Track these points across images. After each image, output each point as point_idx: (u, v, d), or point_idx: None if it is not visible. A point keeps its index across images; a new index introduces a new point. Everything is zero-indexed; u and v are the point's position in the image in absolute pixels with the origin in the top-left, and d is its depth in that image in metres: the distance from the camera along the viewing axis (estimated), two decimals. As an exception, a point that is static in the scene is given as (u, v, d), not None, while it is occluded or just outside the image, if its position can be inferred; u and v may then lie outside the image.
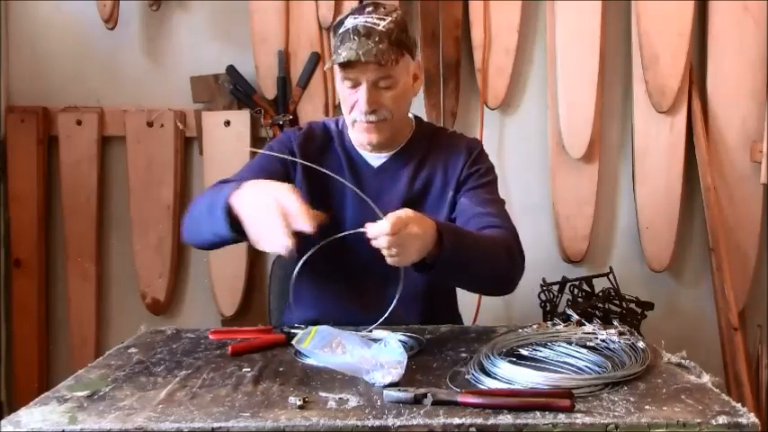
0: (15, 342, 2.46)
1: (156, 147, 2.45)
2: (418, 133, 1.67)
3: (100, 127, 2.46)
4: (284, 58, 2.43)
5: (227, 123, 2.43)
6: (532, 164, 2.52)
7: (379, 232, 1.24)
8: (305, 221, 1.19)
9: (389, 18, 1.51)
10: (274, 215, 1.20)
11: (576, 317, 1.38)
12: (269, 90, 2.44)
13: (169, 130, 2.45)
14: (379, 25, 1.49)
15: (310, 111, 2.43)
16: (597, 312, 2.25)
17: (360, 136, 1.58)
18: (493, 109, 2.46)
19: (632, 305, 2.30)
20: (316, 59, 2.42)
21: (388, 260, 1.27)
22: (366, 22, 1.49)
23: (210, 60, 2.45)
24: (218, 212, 1.30)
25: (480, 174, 1.62)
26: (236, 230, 1.29)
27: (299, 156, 1.59)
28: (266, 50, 2.43)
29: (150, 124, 2.45)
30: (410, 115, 1.69)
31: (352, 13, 1.54)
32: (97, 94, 2.50)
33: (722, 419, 0.97)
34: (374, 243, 1.26)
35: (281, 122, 2.42)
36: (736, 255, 2.44)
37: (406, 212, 1.26)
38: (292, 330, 1.39)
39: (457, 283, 1.62)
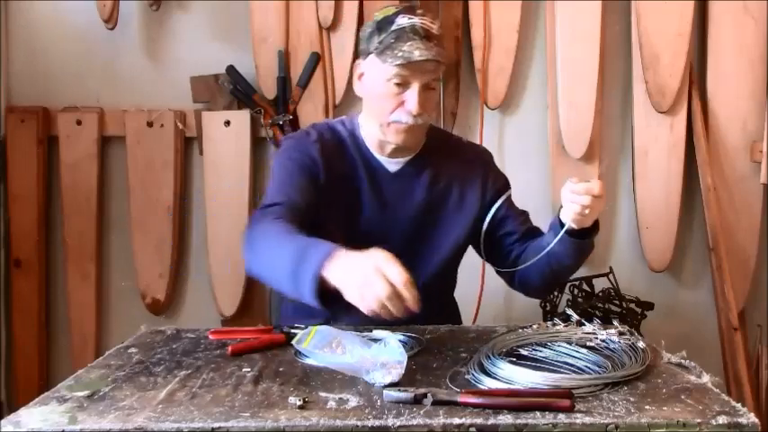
0: (15, 342, 2.46)
1: (156, 147, 2.45)
2: (431, 139, 1.65)
3: (100, 127, 2.46)
4: (284, 58, 2.43)
5: (227, 123, 2.43)
6: (532, 164, 2.52)
7: (588, 190, 1.36)
8: (410, 296, 1.13)
9: (437, 23, 1.53)
10: (392, 261, 1.14)
11: (576, 317, 1.38)
12: (269, 90, 2.44)
13: (169, 130, 2.45)
14: (433, 28, 1.50)
15: (310, 111, 2.43)
16: (597, 312, 2.25)
17: (392, 137, 1.54)
18: (493, 109, 2.46)
19: (632, 305, 2.30)
20: (316, 59, 2.42)
21: (573, 216, 1.40)
22: (423, 23, 1.48)
23: (210, 60, 2.45)
24: (306, 285, 1.20)
25: (507, 188, 1.68)
26: (323, 300, 1.21)
27: (323, 162, 1.56)
28: (266, 50, 2.43)
29: (150, 124, 2.45)
30: None
31: (402, 12, 1.51)
32: (97, 94, 2.50)
33: (722, 419, 0.97)
34: (575, 198, 1.38)
35: (281, 122, 2.42)
36: (736, 255, 2.44)
37: (603, 182, 1.39)
38: (292, 330, 1.39)
39: (571, 262, 1.57)
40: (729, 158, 2.45)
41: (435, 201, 1.61)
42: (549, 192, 2.49)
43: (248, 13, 2.43)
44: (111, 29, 2.41)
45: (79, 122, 2.45)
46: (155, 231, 2.45)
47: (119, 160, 2.50)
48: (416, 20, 1.48)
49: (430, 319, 1.56)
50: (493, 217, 1.59)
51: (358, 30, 2.42)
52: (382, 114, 1.52)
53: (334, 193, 1.57)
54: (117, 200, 2.51)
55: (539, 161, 2.51)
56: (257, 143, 2.47)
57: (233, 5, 2.47)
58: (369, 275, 1.13)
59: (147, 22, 2.49)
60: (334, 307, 1.22)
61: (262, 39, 2.43)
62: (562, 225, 1.46)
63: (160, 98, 2.47)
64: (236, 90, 2.43)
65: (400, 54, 1.45)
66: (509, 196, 1.65)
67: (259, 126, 2.45)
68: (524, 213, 1.70)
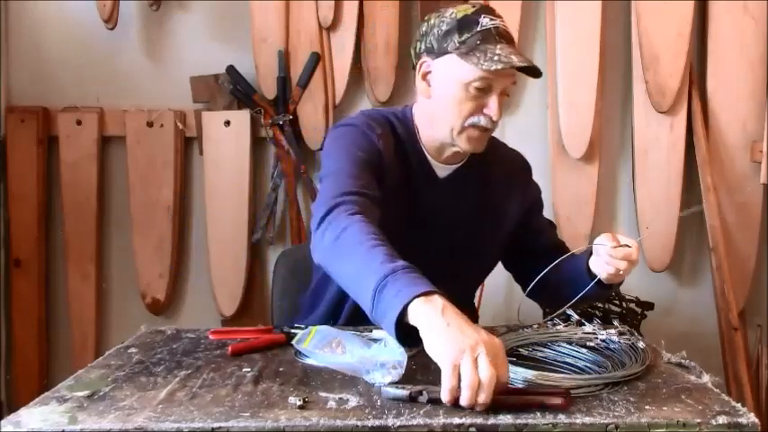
0: (15, 342, 2.46)
1: (156, 147, 2.45)
2: None
3: (100, 127, 2.47)
4: (284, 58, 2.43)
5: (227, 123, 2.43)
6: (532, 164, 2.49)
7: (626, 257, 1.36)
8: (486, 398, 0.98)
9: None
10: (470, 372, 0.98)
11: (576, 317, 1.38)
12: (269, 90, 2.44)
13: (169, 130, 2.45)
14: (509, 31, 1.43)
15: (310, 111, 2.43)
16: (597, 312, 2.24)
17: (467, 143, 1.44)
18: (493, 109, 2.46)
19: (632, 305, 2.30)
20: (316, 59, 2.42)
21: (606, 276, 1.39)
22: (503, 25, 1.41)
23: (210, 60, 2.45)
24: (388, 318, 1.07)
25: (541, 201, 1.69)
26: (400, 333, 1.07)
27: (386, 160, 1.45)
28: (266, 50, 2.43)
29: (150, 124, 2.45)
30: None
31: (482, 11, 1.41)
32: (97, 94, 2.50)
33: (722, 419, 0.97)
34: (612, 262, 1.36)
35: (281, 122, 2.42)
36: (736, 255, 2.44)
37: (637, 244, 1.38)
38: (292, 330, 1.39)
39: (591, 298, 1.54)
40: (729, 158, 2.45)
41: (478, 211, 1.56)
42: (549, 192, 2.49)
43: (248, 13, 2.43)
44: (111, 29, 2.41)
45: (79, 122, 2.45)
46: (155, 231, 2.46)
47: (119, 160, 2.50)
48: (498, 22, 1.40)
49: None
50: (513, 226, 1.59)
51: (358, 30, 2.43)
52: (457, 118, 1.42)
53: (390, 195, 1.44)
54: (117, 200, 2.51)
55: (539, 161, 2.50)
56: (257, 143, 2.47)
57: (233, 5, 2.47)
58: (463, 354, 0.99)
59: (147, 22, 2.49)
60: (408, 343, 1.09)
61: (262, 39, 2.43)
62: (591, 273, 1.42)
63: (160, 98, 2.48)
64: (236, 90, 2.43)
65: (496, 58, 1.35)
66: (540, 211, 1.67)
67: (259, 126, 2.45)
68: (552, 225, 1.70)
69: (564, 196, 2.48)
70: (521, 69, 1.40)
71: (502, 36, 1.39)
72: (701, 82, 2.47)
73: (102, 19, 2.39)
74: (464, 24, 1.39)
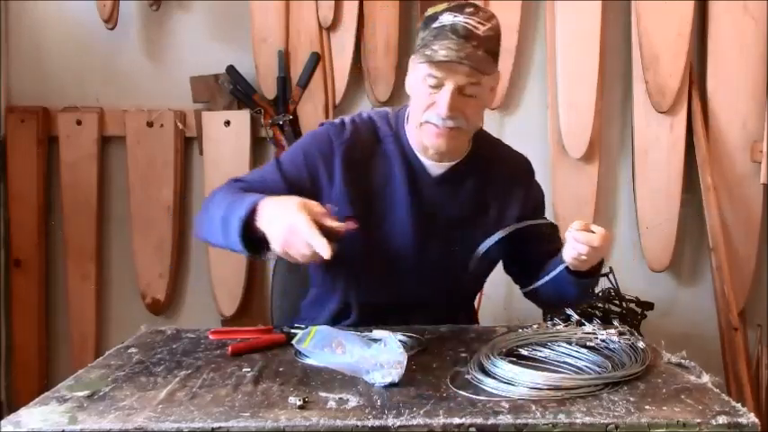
0: (15, 342, 2.46)
1: (156, 147, 2.45)
2: (479, 145, 1.58)
3: (100, 127, 2.47)
4: (284, 58, 2.43)
5: (227, 123, 2.43)
6: (532, 164, 2.51)
7: (588, 242, 1.34)
8: (324, 250, 1.19)
9: (489, 24, 1.41)
10: (304, 222, 1.21)
11: (576, 317, 1.38)
12: (269, 90, 2.44)
13: (169, 130, 2.45)
14: (479, 29, 1.38)
15: (310, 111, 2.43)
16: (597, 312, 2.25)
17: (427, 140, 1.46)
18: (493, 109, 2.46)
19: (632, 305, 2.30)
20: (316, 59, 2.42)
21: (570, 260, 1.39)
22: (467, 22, 1.38)
23: (210, 60, 2.45)
24: (234, 233, 1.29)
25: (543, 204, 1.69)
26: (251, 248, 1.29)
27: (342, 162, 1.49)
28: (266, 50, 2.43)
29: (150, 124, 2.45)
30: None
31: (450, 9, 1.42)
32: (97, 94, 2.50)
33: (722, 419, 0.97)
34: (573, 245, 1.36)
35: (281, 122, 2.42)
36: (736, 255, 2.44)
37: (609, 234, 1.36)
38: (292, 330, 1.39)
39: (574, 294, 1.55)
40: (729, 158, 2.45)
41: (477, 210, 1.55)
42: (550, 192, 2.49)
43: (248, 13, 2.43)
44: (111, 29, 2.41)
45: (79, 122, 2.45)
46: (155, 231, 2.46)
47: (119, 160, 2.50)
48: (461, 18, 1.39)
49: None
50: (524, 234, 1.55)
51: (358, 30, 2.43)
52: (416, 113, 1.46)
53: (356, 197, 1.49)
54: (117, 200, 2.51)
55: (539, 161, 2.49)
56: (257, 143, 2.47)
57: (233, 5, 2.47)
58: (289, 236, 1.22)
59: (147, 22, 2.49)
60: (261, 252, 1.30)
61: (262, 39, 2.43)
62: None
63: (160, 98, 2.48)
64: (236, 90, 2.43)
65: (429, 53, 1.38)
66: (542, 215, 1.66)
67: (259, 126, 2.45)
68: (554, 228, 1.67)
69: (564, 196, 2.48)
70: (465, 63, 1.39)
71: (455, 32, 1.37)
72: (701, 82, 2.47)
73: (102, 19, 2.39)
74: (427, 22, 1.43)
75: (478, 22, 1.39)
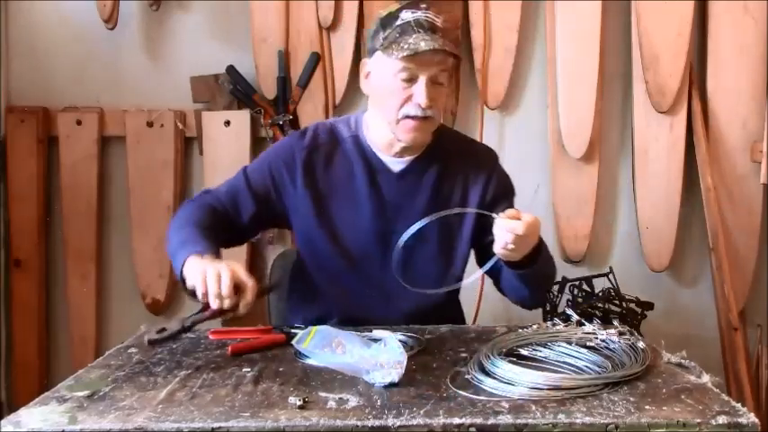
0: (15, 342, 2.46)
1: (156, 147, 2.45)
2: (439, 138, 1.62)
3: (100, 127, 2.47)
4: (284, 58, 2.43)
5: (227, 123, 2.43)
6: (532, 164, 2.52)
7: (512, 229, 1.33)
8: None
9: (443, 17, 1.52)
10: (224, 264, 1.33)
11: (576, 317, 1.38)
12: (269, 90, 2.44)
13: (169, 130, 2.45)
14: (437, 21, 1.50)
15: (310, 111, 2.43)
16: (597, 312, 2.25)
17: (403, 134, 1.52)
18: (493, 109, 2.47)
19: (632, 305, 2.30)
20: (316, 59, 2.42)
21: (498, 251, 1.38)
22: (427, 16, 1.48)
23: (210, 60, 2.45)
24: (178, 268, 1.44)
25: (509, 193, 1.66)
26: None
27: (302, 166, 1.57)
28: (266, 50, 2.43)
29: (150, 124, 2.45)
30: None
31: (405, 7, 1.51)
32: (97, 94, 2.50)
33: (722, 419, 0.97)
34: (499, 233, 1.35)
35: (281, 122, 2.42)
36: (736, 255, 2.44)
37: (536, 220, 1.36)
38: (292, 330, 1.39)
39: (523, 285, 1.55)
40: (729, 158, 2.45)
41: (441, 200, 1.59)
42: (549, 192, 2.49)
43: (248, 13, 2.43)
44: (111, 29, 2.41)
45: (79, 122, 2.45)
46: (155, 231, 2.45)
47: (119, 160, 2.50)
48: (420, 13, 1.48)
49: (434, 322, 1.56)
50: (477, 221, 1.57)
51: (358, 30, 2.43)
52: (391, 111, 1.50)
53: (320, 198, 1.57)
54: (117, 200, 2.51)
55: (539, 161, 2.51)
56: (257, 143, 2.47)
57: (233, 5, 2.47)
58: (205, 278, 1.30)
59: (147, 22, 2.49)
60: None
61: (262, 39, 2.43)
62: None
63: (160, 98, 2.48)
64: (236, 90, 2.43)
65: (406, 46, 1.44)
66: (511, 204, 1.62)
67: (259, 126, 2.45)
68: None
69: (564, 196, 2.48)
70: (442, 53, 1.46)
71: (420, 26, 1.46)
72: (701, 82, 2.47)
73: (102, 19, 2.39)
74: (386, 22, 1.51)
75: (435, 16, 1.50)
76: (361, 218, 1.57)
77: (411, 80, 1.47)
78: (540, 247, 1.45)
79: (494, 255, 1.43)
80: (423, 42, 1.43)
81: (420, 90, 1.47)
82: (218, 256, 1.42)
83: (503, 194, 1.65)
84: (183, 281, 1.39)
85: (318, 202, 1.57)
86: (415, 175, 1.59)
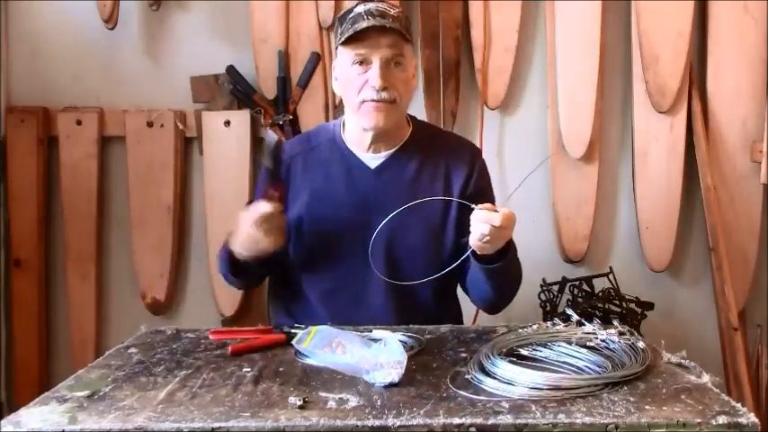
0: (15, 342, 2.46)
1: (156, 147, 2.45)
2: (416, 133, 1.66)
3: (100, 127, 2.46)
4: (284, 58, 2.43)
5: (227, 123, 2.43)
6: (532, 164, 2.51)
7: (488, 220, 1.33)
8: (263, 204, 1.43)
9: (397, 9, 1.58)
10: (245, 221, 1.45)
11: (576, 317, 1.38)
12: (269, 90, 2.44)
13: (169, 130, 2.45)
14: (390, 10, 1.54)
15: (311, 111, 2.43)
16: (597, 312, 2.25)
17: (366, 120, 1.55)
18: (493, 109, 2.46)
19: (632, 305, 2.30)
20: (316, 59, 2.42)
21: (474, 243, 1.38)
22: (378, 7, 1.53)
23: (210, 60, 2.45)
24: (223, 262, 1.61)
25: (488, 187, 1.66)
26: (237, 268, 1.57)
27: (287, 171, 1.63)
28: (266, 50, 2.43)
29: (150, 124, 2.45)
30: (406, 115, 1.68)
31: (360, 2, 1.57)
32: (97, 94, 2.50)
33: (722, 419, 0.97)
34: (476, 225, 1.36)
35: (281, 122, 2.42)
36: (736, 255, 2.43)
37: (512, 214, 1.36)
38: (292, 330, 1.39)
39: (490, 284, 1.54)
40: (729, 158, 2.45)
41: (421, 193, 1.56)
42: (549, 192, 2.49)
43: (248, 13, 2.43)
44: (111, 29, 2.41)
45: (79, 122, 2.45)
46: (155, 231, 2.45)
47: (119, 160, 2.50)
48: (372, 5, 1.54)
49: (429, 319, 1.55)
50: (458, 215, 1.57)
51: (358, 30, 2.43)
52: (352, 99, 1.55)
53: (304, 198, 1.61)
54: (117, 200, 2.51)
55: (539, 161, 2.51)
56: (257, 143, 2.47)
57: (233, 5, 2.47)
58: (242, 227, 1.45)
59: (147, 22, 2.49)
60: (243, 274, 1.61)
61: (262, 39, 2.43)
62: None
63: (160, 98, 2.47)
64: (236, 90, 2.43)
65: (351, 29, 1.50)
66: (491, 200, 1.59)
67: (259, 126, 2.45)
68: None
69: (564, 196, 2.48)
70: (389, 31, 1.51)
71: (371, 14, 1.51)
72: (701, 82, 2.47)
73: (102, 19, 2.39)
74: (342, 19, 1.57)
75: (388, 7, 1.58)
76: (342, 216, 1.59)
77: (365, 64, 1.52)
78: (510, 245, 1.46)
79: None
80: (366, 23, 1.48)
81: (373, 72, 1.50)
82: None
83: (484, 188, 1.65)
84: (233, 261, 1.55)
85: (301, 208, 1.61)
86: (392, 170, 1.61)
